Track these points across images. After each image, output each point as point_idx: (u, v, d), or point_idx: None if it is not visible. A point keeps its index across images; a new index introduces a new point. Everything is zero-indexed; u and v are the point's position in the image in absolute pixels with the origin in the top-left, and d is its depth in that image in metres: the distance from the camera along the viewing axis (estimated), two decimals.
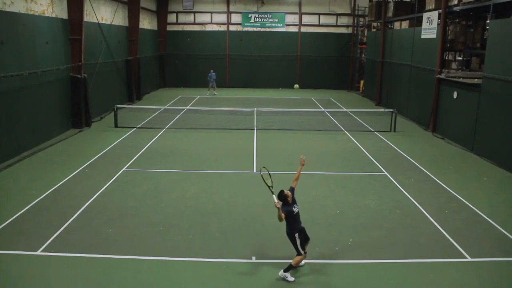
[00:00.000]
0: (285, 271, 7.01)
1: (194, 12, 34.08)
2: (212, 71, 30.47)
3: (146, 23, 29.58)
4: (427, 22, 19.07)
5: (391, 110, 18.93)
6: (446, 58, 20.27)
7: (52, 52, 15.97)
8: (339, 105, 26.06)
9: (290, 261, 7.06)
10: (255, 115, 18.98)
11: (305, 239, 7.13)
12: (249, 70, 34.54)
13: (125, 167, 12.81)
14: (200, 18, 34.19)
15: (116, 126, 18.27)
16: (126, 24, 24.97)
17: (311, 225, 9.02)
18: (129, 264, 7.41)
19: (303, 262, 7.28)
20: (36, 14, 14.89)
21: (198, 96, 29.09)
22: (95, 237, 8.33)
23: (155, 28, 32.40)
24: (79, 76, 17.57)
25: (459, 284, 6.99)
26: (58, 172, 12.09)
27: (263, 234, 8.62)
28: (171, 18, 34.10)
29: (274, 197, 6.87)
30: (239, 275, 7.15)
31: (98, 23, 20.48)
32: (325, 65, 34.54)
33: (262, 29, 34.26)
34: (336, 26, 34.33)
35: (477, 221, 9.41)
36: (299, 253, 6.99)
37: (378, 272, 7.27)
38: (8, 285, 6.77)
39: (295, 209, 6.94)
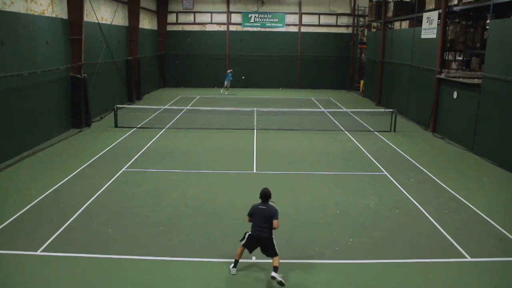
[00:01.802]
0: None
1: (194, 12, 34.08)
2: (228, 71, 30.69)
3: (146, 23, 29.57)
4: (427, 22, 19.07)
5: (391, 110, 18.93)
6: (446, 58, 20.27)
7: (52, 52, 15.97)
8: (339, 105, 26.06)
9: (290, 261, 7.03)
10: (255, 115, 18.98)
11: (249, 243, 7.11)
12: (249, 70, 34.54)
13: (125, 167, 12.81)
14: (200, 18, 34.19)
15: (116, 126, 18.27)
16: (126, 24, 24.97)
17: (311, 225, 9.04)
18: (129, 264, 7.40)
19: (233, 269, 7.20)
20: (36, 14, 14.89)
21: (198, 96, 29.09)
22: (95, 237, 8.32)
23: (155, 28, 32.40)
24: (79, 76, 17.57)
25: (459, 284, 6.99)
26: (58, 172, 12.09)
27: None
28: (171, 18, 34.10)
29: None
30: (239, 275, 7.15)
31: (98, 23, 20.48)
32: (325, 65, 34.54)
33: (262, 29, 34.26)
34: (336, 26, 34.33)
35: (477, 221, 9.41)
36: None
37: (378, 272, 7.26)
38: (8, 285, 6.77)
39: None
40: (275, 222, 6.86)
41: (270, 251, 6.97)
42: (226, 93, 30.37)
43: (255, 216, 6.98)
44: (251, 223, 7.09)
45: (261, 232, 6.88)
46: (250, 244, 7.08)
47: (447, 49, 19.23)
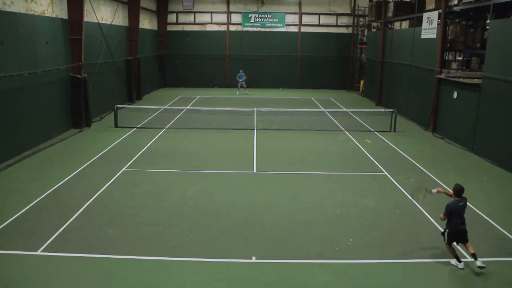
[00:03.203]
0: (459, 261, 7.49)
1: (194, 12, 34.07)
2: (241, 70, 30.87)
3: (146, 23, 29.57)
4: (427, 22, 19.07)
5: (391, 110, 18.92)
6: (446, 58, 20.27)
7: (52, 52, 15.97)
8: (339, 105, 26.06)
9: (290, 261, 7.00)
10: (255, 115, 18.98)
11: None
12: (249, 70, 34.46)
13: (125, 167, 12.81)
14: (200, 18, 34.18)
15: (116, 126, 18.27)
16: (126, 24, 24.97)
17: (311, 225, 9.04)
18: (129, 264, 7.41)
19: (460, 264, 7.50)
20: (36, 14, 14.89)
21: (198, 96, 29.09)
22: (95, 237, 8.33)
23: (155, 28, 32.40)
24: (79, 76, 17.57)
25: (459, 284, 6.99)
26: (58, 172, 12.09)
27: (263, 234, 8.63)
28: (171, 18, 34.10)
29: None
30: (239, 275, 7.15)
31: (98, 23, 20.48)
32: (325, 65, 34.53)
33: (262, 29, 34.25)
34: (336, 26, 34.32)
35: (477, 221, 9.41)
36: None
37: (378, 272, 7.26)
38: (8, 285, 6.77)
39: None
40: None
41: (465, 239, 7.50)
42: (242, 93, 30.57)
43: (455, 213, 7.40)
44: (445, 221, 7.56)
45: (463, 226, 7.44)
46: (454, 239, 7.51)
47: (447, 49, 19.22)
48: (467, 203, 7.66)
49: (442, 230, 7.62)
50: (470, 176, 12.62)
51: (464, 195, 10.76)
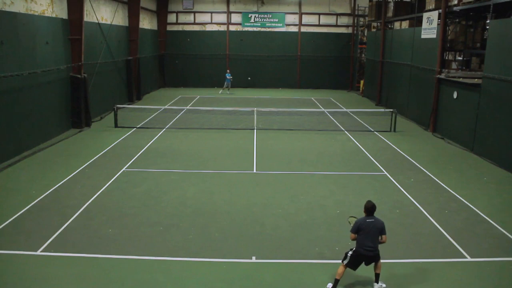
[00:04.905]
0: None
1: (194, 12, 34.08)
2: (228, 70, 31.13)
3: (146, 23, 29.57)
4: (427, 22, 19.07)
5: (391, 110, 18.92)
6: (446, 58, 20.27)
7: (52, 52, 15.97)
8: (339, 105, 26.06)
9: (290, 261, 7.01)
10: (255, 115, 18.98)
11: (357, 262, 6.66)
12: (249, 70, 34.54)
13: (125, 167, 12.81)
14: (200, 18, 34.19)
15: (116, 126, 18.27)
16: (126, 24, 24.97)
17: (311, 225, 9.05)
18: (129, 264, 7.41)
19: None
20: (36, 14, 14.89)
21: (198, 96, 29.09)
22: (95, 237, 8.33)
23: (155, 28, 32.40)
24: (79, 76, 17.57)
25: (459, 284, 6.99)
26: (58, 172, 12.09)
27: (263, 234, 8.63)
28: (171, 18, 34.11)
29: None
30: (239, 275, 7.15)
31: (98, 23, 20.48)
32: (325, 65, 34.55)
33: (262, 29, 34.26)
34: (336, 26, 34.33)
35: (477, 221, 9.41)
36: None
37: None
38: (8, 285, 6.77)
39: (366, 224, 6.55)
40: (384, 237, 6.60)
41: (376, 260, 6.70)
42: (224, 92, 30.60)
43: (362, 232, 6.49)
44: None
45: (369, 251, 6.50)
46: (355, 262, 6.65)
47: (447, 49, 19.23)
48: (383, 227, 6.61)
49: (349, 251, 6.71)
50: (470, 176, 12.63)
51: (464, 195, 10.74)
